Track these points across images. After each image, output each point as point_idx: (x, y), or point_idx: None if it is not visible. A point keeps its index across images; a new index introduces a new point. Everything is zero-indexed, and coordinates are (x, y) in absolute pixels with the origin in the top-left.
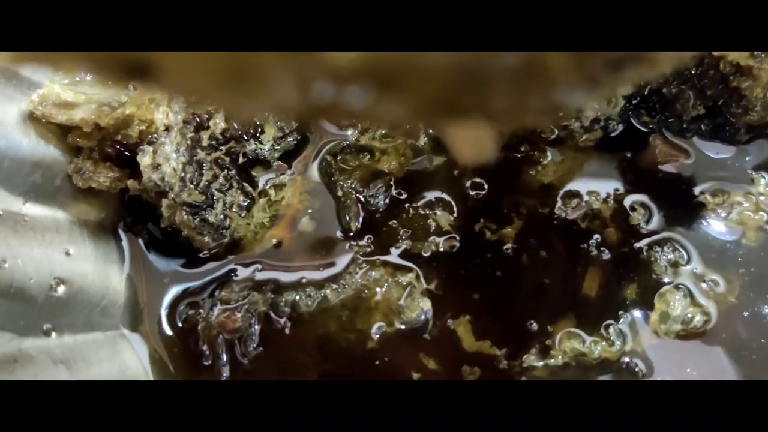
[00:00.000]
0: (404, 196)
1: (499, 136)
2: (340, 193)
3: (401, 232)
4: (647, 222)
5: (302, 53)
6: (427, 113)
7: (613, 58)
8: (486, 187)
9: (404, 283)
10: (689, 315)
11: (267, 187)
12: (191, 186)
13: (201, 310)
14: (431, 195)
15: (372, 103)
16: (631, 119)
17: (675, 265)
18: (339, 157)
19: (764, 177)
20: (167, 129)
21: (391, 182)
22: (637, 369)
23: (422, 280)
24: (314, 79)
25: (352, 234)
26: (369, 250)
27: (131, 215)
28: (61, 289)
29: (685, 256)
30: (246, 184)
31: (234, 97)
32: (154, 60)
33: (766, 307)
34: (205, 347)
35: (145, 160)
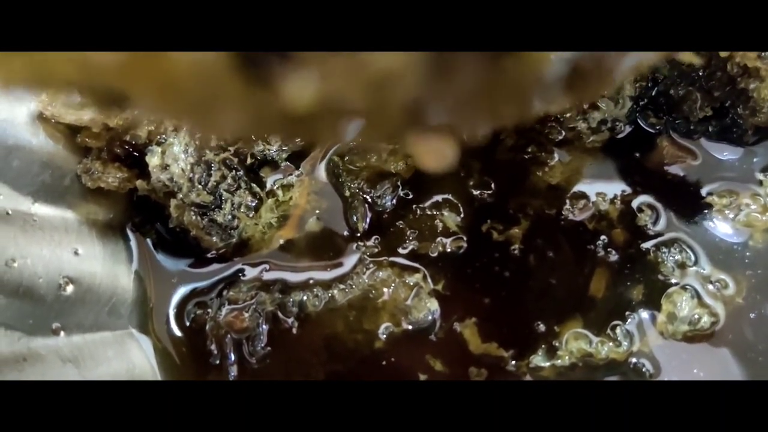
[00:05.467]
0: (411, 197)
1: (459, 144)
2: (347, 194)
3: (408, 233)
4: (654, 223)
5: (264, 99)
6: (390, 129)
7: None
8: (493, 187)
9: (411, 284)
10: (696, 316)
11: (275, 187)
12: (199, 186)
13: (209, 310)
14: (438, 196)
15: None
16: (639, 120)
17: (682, 266)
18: (346, 158)
19: None
20: (176, 129)
21: (399, 183)
22: (644, 370)
23: (429, 280)
24: (271, 119)
25: (359, 234)
26: (376, 250)
27: (140, 215)
28: (70, 289)
29: (693, 257)
30: (254, 185)
31: (201, 120)
32: (129, 90)
33: None
34: (213, 347)
35: (153, 160)
